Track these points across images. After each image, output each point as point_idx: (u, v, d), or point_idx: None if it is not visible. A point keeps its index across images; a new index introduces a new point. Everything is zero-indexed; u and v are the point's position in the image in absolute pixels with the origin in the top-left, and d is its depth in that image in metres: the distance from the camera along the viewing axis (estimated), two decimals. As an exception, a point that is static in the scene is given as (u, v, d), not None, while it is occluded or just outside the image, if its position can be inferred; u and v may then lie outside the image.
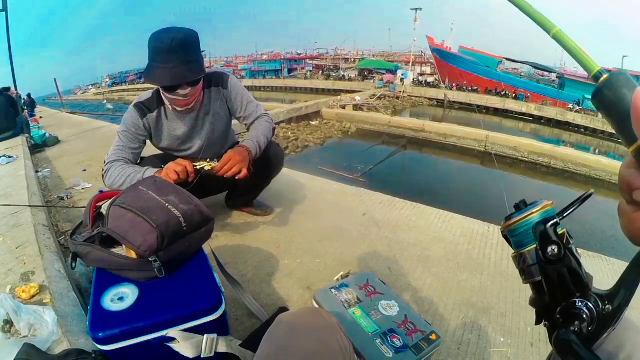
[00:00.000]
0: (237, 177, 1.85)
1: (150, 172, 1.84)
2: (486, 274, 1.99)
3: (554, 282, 0.47)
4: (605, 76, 0.38)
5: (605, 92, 0.37)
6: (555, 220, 0.48)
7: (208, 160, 1.84)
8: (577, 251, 0.48)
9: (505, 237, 0.55)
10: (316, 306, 1.39)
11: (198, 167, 1.80)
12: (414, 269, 2.02)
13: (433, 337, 1.26)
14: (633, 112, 0.30)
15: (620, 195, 0.36)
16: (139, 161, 2.06)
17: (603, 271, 2.09)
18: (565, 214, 0.50)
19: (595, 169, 11.65)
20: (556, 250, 0.46)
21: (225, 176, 1.82)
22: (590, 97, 0.39)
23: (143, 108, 2.02)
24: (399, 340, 1.22)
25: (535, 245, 0.49)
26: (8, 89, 6.55)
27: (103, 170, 1.95)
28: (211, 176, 1.84)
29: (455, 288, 1.89)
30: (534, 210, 0.50)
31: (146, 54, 1.83)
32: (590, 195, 0.50)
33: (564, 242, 0.47)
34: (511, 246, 0.54)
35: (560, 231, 0.48)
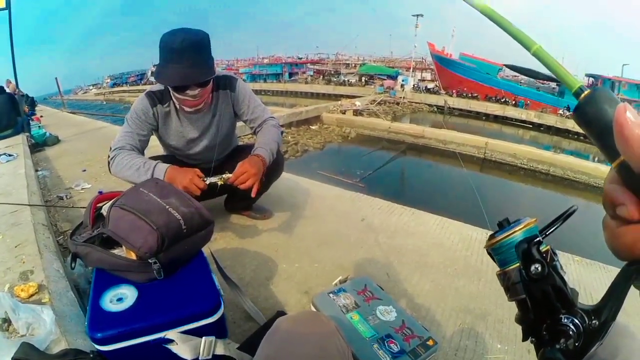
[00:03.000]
0: (251, 195, 1.88)
1: (160, 168, 1.85)
2: (484, 281, 2.00)
3: (538, 300, 0.47)
4: (586, 92, 0.38)
5: (586, 109, 0.38)
6: (538, 239, 0.48)
7: (221, 175, 1.86)
8: (561, 267, 0.48)
9: (489, 254, 0.55)
10: (314, 310, 1.39)
11: (209, 183, 1.82)
12: (411, 275, 2.02)
13: (430, 342, 1.26)
14: (615, 128, 0.31)
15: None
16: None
17: (601, 279, 2.10)
18: (548, 231, 0.50)
19: (594, 176, 11.63)
20: (539, 268, 0.46)
21: (239, 187, 1.84)
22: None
23: (154, 97, 2.02)
24: (396, 345, 1.23)
25: (518, 264, 0.49)
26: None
27: (109, 156, 1.93)
28: (223, 185, 1.87)
29: (452, 294, 1.89)
30: (517, 229, 0.50)
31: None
32: (573, 212, 0.51)
33: (548, 260, 0.47)
34: (496, 264, 0.54)
35: (543, 249, 0.47)
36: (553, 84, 30.62)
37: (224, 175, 1.85)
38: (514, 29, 0.49)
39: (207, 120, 2.15)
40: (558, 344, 0.43)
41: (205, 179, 1.82)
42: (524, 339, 0.50)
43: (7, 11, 5.64)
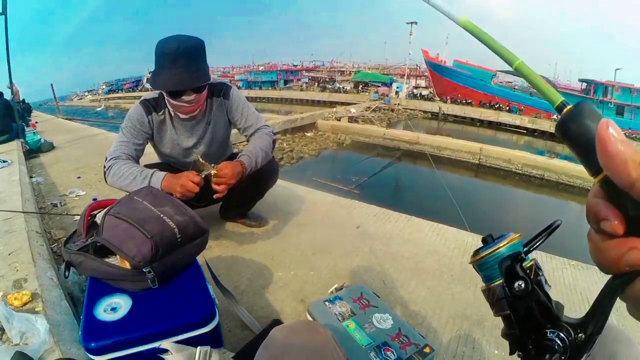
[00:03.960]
0: (214, 195, 1.87)
1: (157, 177, 1.83)
2: (480, 287, 1.98)
3: (522, 315, 0.47)
4: (568, 107, 0.39)
5: (569, 124, 0.38)
6: (520, 255, 0.48)
7: (213, 164, 1.85)
8: (546, 282, 0.48)
9: (475, 269, 0.55)
10: (310, 319, 1.38)
11: (204, 175, 1.81)
12: (407, 282, 2.01)
13: (427, 349, 1.25)
14: (598, 143, 0.31)
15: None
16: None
17: (597, 283, 2.10)
18: (532, 247, 0.50)
19: (589, 180, 11.52)
20: (522, 285, 0.46)
21: (212, 186, 1.84)
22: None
23: (149, 105, 2.02)
24: (393, 353, 1.22)
25: (502, 280, 0.49)
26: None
27: (105, 166, 1.92)
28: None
29: (449, 300, 1.89)
30: (500, 245, 0.50)
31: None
32: (557, 227, 0.51)
33: (532, 276, 0.47)
34: (481, 279, 0.54)
35: (527, 264, 0.48)
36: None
37: (213, 165, 1.84)
38: (496, 44, 0.49)
39: (202, 128, 2.14)
40: (544, 358, 0.43)
41: (200, 174, 1.81)
42: (511, 352, 0.50)
43: (3, 16, 5.63)
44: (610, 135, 0.31)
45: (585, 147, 0.36)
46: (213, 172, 1.81)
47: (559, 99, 0.40)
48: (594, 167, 0.34)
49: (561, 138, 0.38)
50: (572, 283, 2.11)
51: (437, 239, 2.54)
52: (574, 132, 0.37)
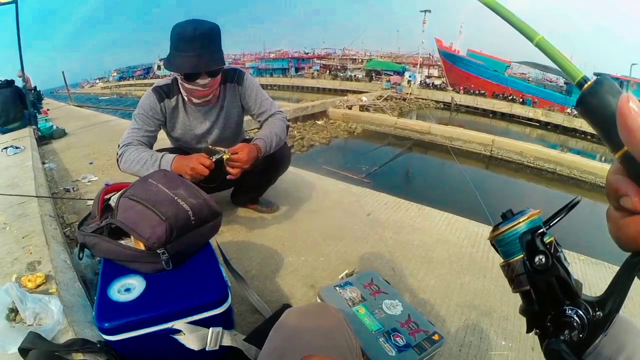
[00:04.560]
0: (227, 177, 1.88)
1: (167, 159, 1.85)
2: (489, 277, 1.99)
3: (542, 291, 0.47)
4: (589, 83, 0.38)
5: (589, 99, 0.37)
6: (541, 230, 0.48)
7: (224, 149, 1.85)
8: (565, 259, 0.47)
9: (493, 246, 0.55)
10: (320, 303, 1.39)
11: (215, 160, 1.82)
12: (417, 270, 2.02)
13: (436, 337, 1.26)
14: (618, 118, 0.31)
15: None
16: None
17: (606, 278, 2.08)
18: (552, 222, 0.50)
19: (601, 176, 11.55)
20: (543, 259, 0.46)
21: (226, 169, 1.85)
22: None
23: (161, 92, 2.03)
24: (402, 339, 1.23)
25: (522, 255, 0.49)
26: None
27: (117, 153, 1.95)
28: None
29: (458, 290, 1.89)
30: (521, 220, 0.50)
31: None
32: (576, 203, 0.50)
33: (552, 251, 0.47)
34: (500, 255, 0.54)
35: (547, 240, 0.47)
36: (561, 82, 30.37)
37: (226, 150, 1.85)
38: (516, 19, 0.49)
39: (215, 114, 2.15)
40: (562, 335, 0.43)
41: (211, 158, 1.82)
42: (528, 330, 0.50)
43: (13, 5, 5.65)
44: (631, 110, 0.30)
45: (605, 122, 0.35)
46: (226, 156, 1.82)
47: (580, 74, 0.40)
48: (614, 143, 0.34)
49: (582, 114, 0.38)
50: (580, 278, 2.07)
51: (448, 229, 2.53)
52: (595, 107, 0.37)
